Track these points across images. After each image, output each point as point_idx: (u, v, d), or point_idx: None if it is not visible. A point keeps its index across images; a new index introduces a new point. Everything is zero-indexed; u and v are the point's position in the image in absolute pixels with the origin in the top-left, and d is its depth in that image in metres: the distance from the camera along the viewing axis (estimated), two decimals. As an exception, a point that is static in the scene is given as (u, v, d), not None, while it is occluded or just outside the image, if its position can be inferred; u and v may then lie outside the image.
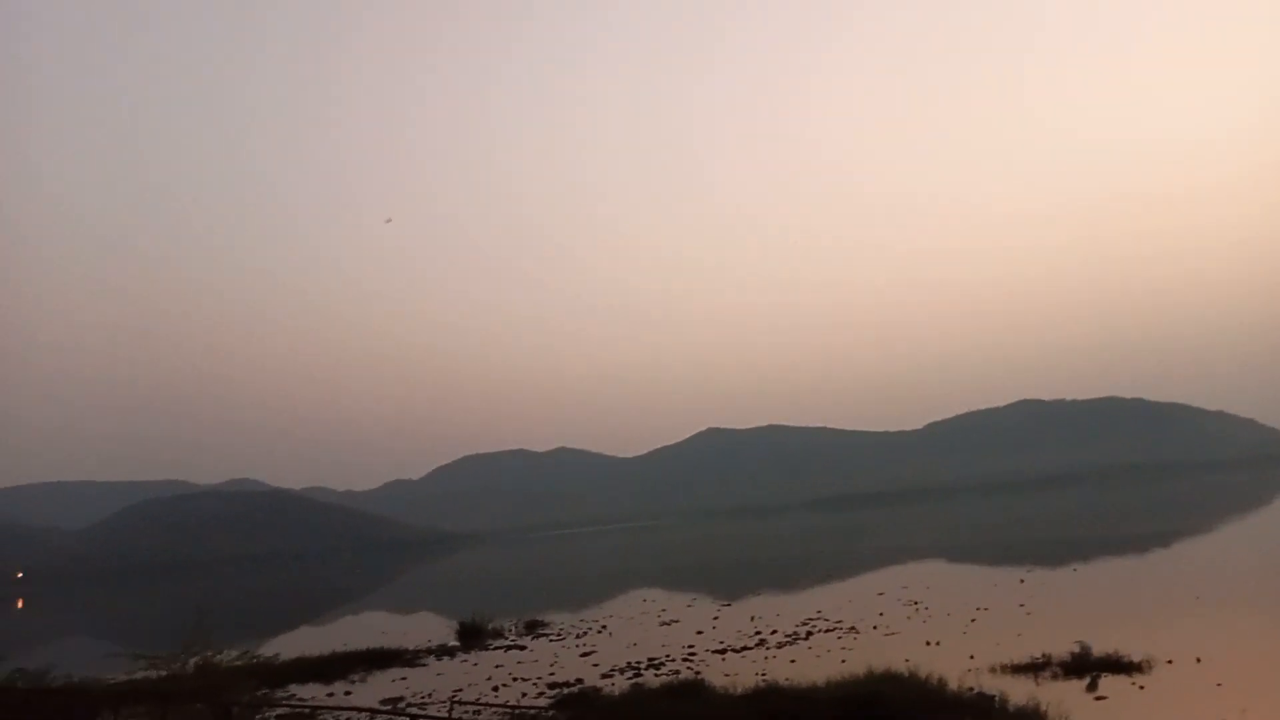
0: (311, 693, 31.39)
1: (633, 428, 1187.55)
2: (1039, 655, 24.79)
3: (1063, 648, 24.49)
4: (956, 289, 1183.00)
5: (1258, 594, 36.02)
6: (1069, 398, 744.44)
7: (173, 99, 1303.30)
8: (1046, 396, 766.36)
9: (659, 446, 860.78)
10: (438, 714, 22.16)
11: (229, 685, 24.96)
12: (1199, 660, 23.02)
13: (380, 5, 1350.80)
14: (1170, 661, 23.10)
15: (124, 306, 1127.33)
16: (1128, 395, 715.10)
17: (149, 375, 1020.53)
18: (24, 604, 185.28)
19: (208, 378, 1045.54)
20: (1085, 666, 23.07)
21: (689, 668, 29.68)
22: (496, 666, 34.15)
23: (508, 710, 22.05)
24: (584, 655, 35.24)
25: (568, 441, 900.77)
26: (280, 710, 27.06)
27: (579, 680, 29.09)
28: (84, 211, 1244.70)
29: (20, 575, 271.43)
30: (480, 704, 24.75)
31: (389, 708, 26.15)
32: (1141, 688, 21.10)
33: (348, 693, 31.32)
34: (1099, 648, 23.78)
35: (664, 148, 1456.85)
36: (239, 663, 26.62)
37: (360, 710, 20.56)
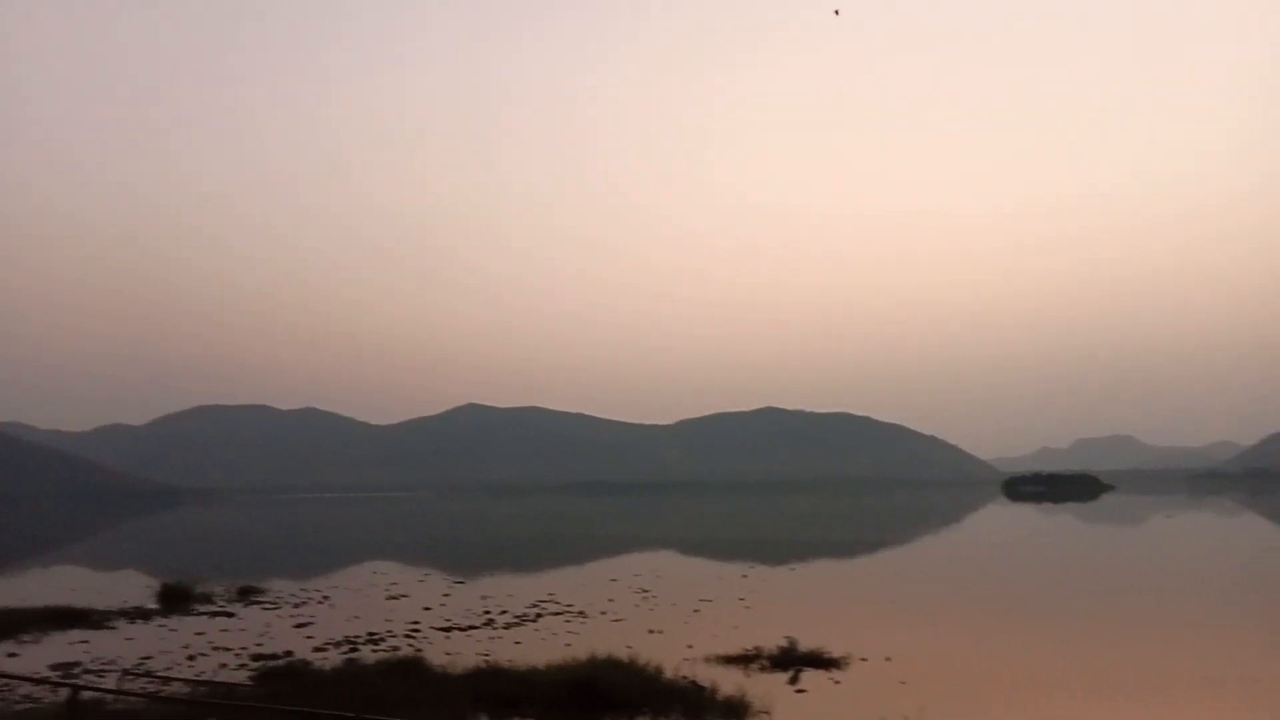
0: (-36, 653, 27.38)
1: (388, 395, 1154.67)
2: (751, 648, 25.87)
3: (773, 642, 25.67)
4: (705, 298, 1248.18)
5: (947, 601, 39.97)
6: (807, 409, 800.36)
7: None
8: (788, 406, 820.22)
9: (415, 416, 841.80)
10: (108, 685, 19.75)
11: None
12: (889, 659, 24.89)
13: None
14: (864, 659, 24.81)
15: None
16: (858, 413, 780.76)
17: None
18: None
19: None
20: (790, 660, 24.28)
21: (410, 645, 28.57)
22: (197, 634, 31.36)
23: (197, 683, 20.01)
24: (298, 626, 33.13)
25: (316, 402, 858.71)
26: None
27: (288, 653, 27.19)
28: None
29: None
30: (165, 676, 22.40)
31: (59, 673, 23.25)
32: (837, 682, 22.47)
33: (13, 654, 27.57)
34: (805, 643, 25.13)
35: (472, 134, 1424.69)
36: None
37: (11, 678, 17.89)
